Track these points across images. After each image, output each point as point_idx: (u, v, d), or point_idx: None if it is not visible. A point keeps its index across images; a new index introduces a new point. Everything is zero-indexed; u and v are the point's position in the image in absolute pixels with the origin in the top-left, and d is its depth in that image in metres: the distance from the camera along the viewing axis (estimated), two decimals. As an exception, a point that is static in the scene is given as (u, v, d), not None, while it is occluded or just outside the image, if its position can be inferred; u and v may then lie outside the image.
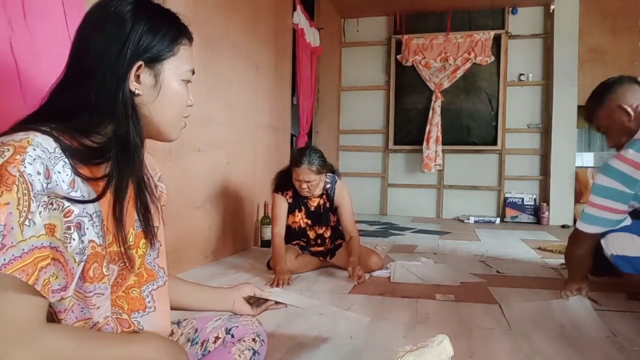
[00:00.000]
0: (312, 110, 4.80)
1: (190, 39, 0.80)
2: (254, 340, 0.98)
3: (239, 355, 0.93)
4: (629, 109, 1.54)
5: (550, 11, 5.28)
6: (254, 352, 0.96)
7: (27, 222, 0.59)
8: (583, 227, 1.72)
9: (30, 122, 0.68)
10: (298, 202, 2.56)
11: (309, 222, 2.60)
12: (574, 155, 5.10)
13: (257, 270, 2.59)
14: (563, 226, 5.00)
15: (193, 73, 0.80)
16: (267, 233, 3.32)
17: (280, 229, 2.49)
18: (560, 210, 5.13)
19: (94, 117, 0.71)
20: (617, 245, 1.67)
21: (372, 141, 5.94)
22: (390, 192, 5.90)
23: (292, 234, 2.59)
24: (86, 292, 0.70)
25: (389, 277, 2.45)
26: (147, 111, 0.75)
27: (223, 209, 2.90)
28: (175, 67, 0.76)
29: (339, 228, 2.69)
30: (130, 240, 0.79)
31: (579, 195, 5.13)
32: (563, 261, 2.94)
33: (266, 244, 3.32)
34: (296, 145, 4.51)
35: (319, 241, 2.64)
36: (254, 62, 3.34)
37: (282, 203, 2.52)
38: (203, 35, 2.54)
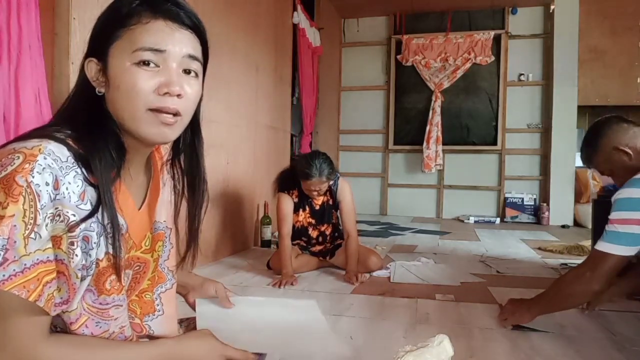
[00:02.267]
0: (314, 109, 4.80)
1: (148, 16, 0.67)
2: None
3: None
4: (626, 149, 1.50)
5: (550, 11, 5.28)
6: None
7: (32, 235, 0.57)
8: (614, 248, 1.39)
9: (51, 126, 0.67)
10: (303, 201, 2.56)
11: (313, 221, 2.59)
12: (574, 155, 5.09)
13: (257, 270, 2.59)
14: (563, 226, 5.00)
15: (153, 50, 0.66)
16: (267, 233, 3.32)
17: (289, 230, 2.47)
18: (560, 210, 5.13)
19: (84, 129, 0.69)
20: None
21: (372, 141, 5.94)
22: (390, 192, 5.90)
23: (294, 233, 2.58)
24: (103, 304, 0.68)
25: (389, 277, 2.45)
26: (110, 108, 0.69)
27: (223, 209, 2.90)
28: (120, 52, 0.66)
29: (339, 227, 2.70)
30: (147, 244, 0.79)
31: (579, 195, 5.12)
32: (563, 261, 2.95)
33: (266, 244, 3.32)
34: (298, 146, 4.51)
35: (320, 239, 2.64)
36: (254, 63, 3.34)
37: (289, 203, 2.50)
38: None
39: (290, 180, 2.54)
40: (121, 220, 0.69)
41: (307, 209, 2.57)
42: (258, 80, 3.41)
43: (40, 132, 0.64)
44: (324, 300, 2.02)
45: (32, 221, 0.57)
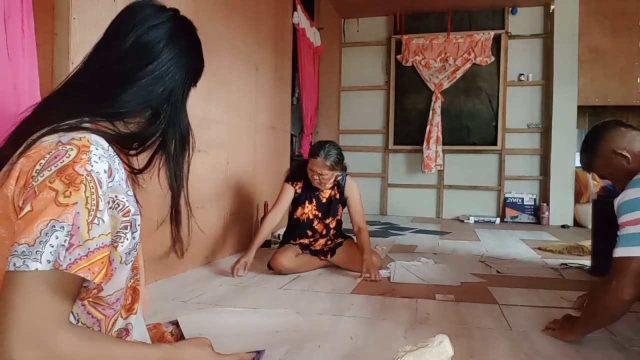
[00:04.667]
0: (315, 110, 4.79)
1: None
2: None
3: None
4: (624, 153, 1.51)
5: (550, 11, 5.29)
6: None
7: (96, 221, 0.61)
8: (632, 251, 1.34)
9: (68, 111, 0.71)
10: (309, 193, 2.60)
11: (319, 214, 2.62)
12: (574, 155, 5.10)
13: (257, 270, 2.59)
14: (563, 226, 5.00)
15: None
16: (267, 233, 3.32)
17: (275, 215, 2.53)
18: (560, 210, 5.13)
19: (146, 110, 0.76)
20: None
21: (372, 141, 5.94)
22: (390, 192, 5.90)
23: (299, 226, 2.61)
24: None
25: (389, 277, 2.45)
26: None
27: (223, 209, 2.90)
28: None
29: (342, 225, 2.74)
30: None
31: (579, 195, 5.13)
32: (563, 261, 2.95)
33: (266, 244, 3.31)
34: (298, 146, 4.51)
35: (324, 232, 2.66)
36: (254, 63, 3.34)
37: (289, 193, 2.57)
38: (203, 36, 2.53)
39: (299, 171, 2.61)
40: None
41: (314, 201, 2.61)
42: (258, 80, 3.41)
43: (71, 124, 0.68)
44: (324, 300, 2.02)
45: (94, 207, 0.61)
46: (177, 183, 0.81)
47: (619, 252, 1.38)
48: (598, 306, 1.44)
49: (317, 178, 2.47)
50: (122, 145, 0.73)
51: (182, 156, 0.82)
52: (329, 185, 2.57)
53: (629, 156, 1.51)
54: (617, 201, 1.45)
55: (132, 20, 0.77)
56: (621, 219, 1.41)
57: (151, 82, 0.75)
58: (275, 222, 2.54)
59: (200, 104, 2.54)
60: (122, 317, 0.79)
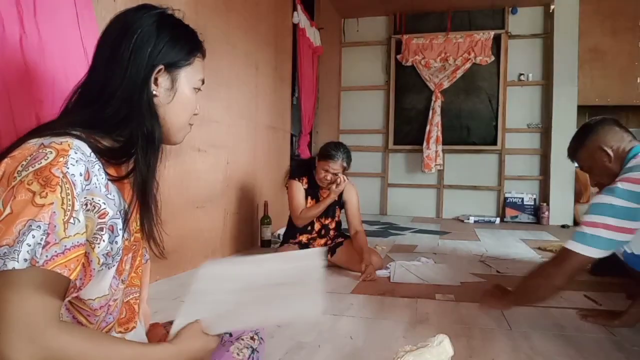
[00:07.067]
0: (313, 109, 4.79)
1: (204, 53, 0.87)
2: (252, 338, 0.98)
3: (237, 354, 0.93)
4: (608, 151, 1.55)
5: (550, 11, 5.28)
6: (253, 350, 0.96)
7: (71, 220, 0.62)
8: (578, 247, 1.44)
9: (57, 124, 0.72)
10: (311, 191, 2.64)
11: None
12: (574, 155, 5.09)
13: (257, 270, 2.59)
14: (563, 226, 5.00)
15: (203, 83, 0.87)
16: (266, 233, 3.32)
17: (298, 211, 2.59)
18: (560, 210, 5.13)
19: (118, 116, 0.74)
20: (637, 244, 1.47)
21: (372, 141, 5.94)
22: (390, 192, 5.90)
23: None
24: (120, 286, 0.76)
25: (389, 277, 2.45)
26: (162, 112, 0.80)
27: (223, 209, 2.90)
28: (189, 75, 0.83)
29: (341, 225, 2.76)
30: (137, 224, 0.82)
31: (579, 195, 5.13)
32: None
33: (266, 244, 3.31)
34: (297, 146, 4.51)
35: (322, 232, 2.69)
36: (254, 62, 3.34)
37: (300, 189, 2.61)
38: (203, 35, 2.53)
39: (300, 169, 2.66)
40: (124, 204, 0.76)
41: (314, 200, 2.65)
42: (258, 80, 3.41)
43: (58, 131, 0.68)
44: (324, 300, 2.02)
45: (70, 207, 0.62)
46: (143, 191, 0.78)
47: (569, 244, 1.47)
48: (533, 285, 1.56)
49: (330, 177, 2.51)
50: (112, 157, 0.72)
51: (148, 159, 0.78)
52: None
53: (612, 155, 1.56)
54: (591, 199, 1.51)
55: (104, 31, 0.79)
56: (582, 218, 1.49)
57: (125, 89, 0.74)
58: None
59: (200, 104, 2.54)
60: (115, 330, 0.80)
